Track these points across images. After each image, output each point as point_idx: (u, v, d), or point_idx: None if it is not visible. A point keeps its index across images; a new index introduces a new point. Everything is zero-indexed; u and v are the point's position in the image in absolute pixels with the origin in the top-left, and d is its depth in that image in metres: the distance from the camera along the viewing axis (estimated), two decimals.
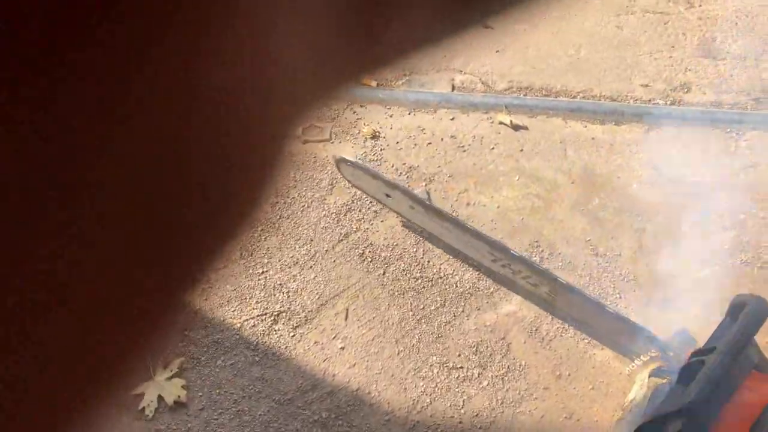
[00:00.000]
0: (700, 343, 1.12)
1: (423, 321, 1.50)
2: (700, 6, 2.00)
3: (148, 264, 0.14)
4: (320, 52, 0.15)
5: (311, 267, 1.59)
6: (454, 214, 1.66)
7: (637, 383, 1.26)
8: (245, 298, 1.54)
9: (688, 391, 0.85)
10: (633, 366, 1.28)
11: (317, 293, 1.55)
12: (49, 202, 0.12)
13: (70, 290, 0.13)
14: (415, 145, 1.78)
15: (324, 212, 1.66)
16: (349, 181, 1.62)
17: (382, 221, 1.64)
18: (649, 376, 1.21)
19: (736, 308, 0.97)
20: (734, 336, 0.90)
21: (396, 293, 1.54)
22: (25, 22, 0.10)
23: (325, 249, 1.61)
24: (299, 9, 0.14)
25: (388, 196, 1.54)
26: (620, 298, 1.52)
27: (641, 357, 1.26)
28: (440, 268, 1.57)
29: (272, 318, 1.51)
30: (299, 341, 1.48)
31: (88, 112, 0.11)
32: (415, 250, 1.60)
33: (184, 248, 0.15)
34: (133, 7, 0.11)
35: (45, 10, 0.10)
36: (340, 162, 1.57)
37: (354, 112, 1.85)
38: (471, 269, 1.56)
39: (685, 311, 1.48)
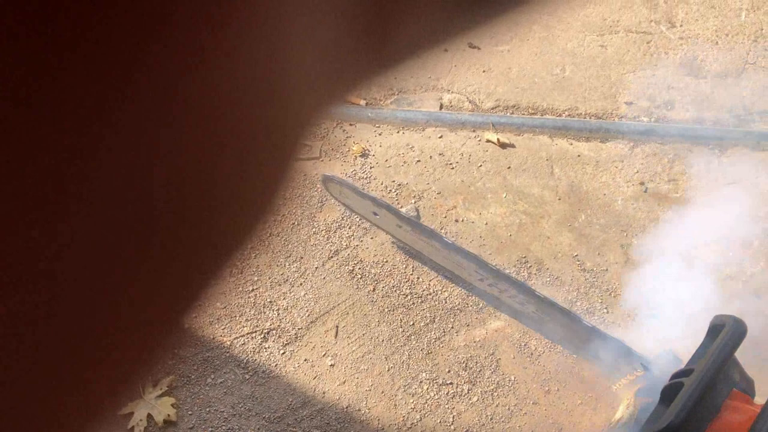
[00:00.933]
0: (685, 361, 1.13)
1: (413, 337, 1.51)
2: (681, 26, 2.05)
3: (138, 283, 0.14)
4: (309, 70, 0.15)
5: (301, 284, 1.59)
6: (442, 230, 1.67)
7: (624, 403, 1.27)
8: (235, 316, 1.54)
9: (668, 412, 0.86)
10: (618, 384, 1.29)
11: (307, 310, 1.55)
12: (35, 217, 0.12)
13: (58, 307, 0.13)
14: (404, 162, 1.80)
15: (314, 229, 1.67)
16: (336, 199, 1.63)
17: (371, 238, 1.65)
18: (635, 396, 1.22)
19: (715, 328, 0.98)
20: (712, 356, 0.91)
21: (386, 310, 1.55)
22: (25, 20, 0.10)
23: (315, 266, 1.62)
24: (285, 29, 0.14)
25: (375, 214, 1.55)
26: (607, 312, 1.54)
27: (627, 376, 1.27)
28: (429, 285, 1.58)
29: (262, 336, 1.52)
30: (289, 359, 1.49)
31: (77, 117, 0.11)
32: (404, 266, 1.61)
33: (175, 266, 0.15)
34: (124, 14, 0.11)
35: (43, 9, 0.10)
36: (326, 180, 1.58)
37: (343, 131, 1.87)
38: (460, 286, 1.57)
39: (670, 325, 1.50)
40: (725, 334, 0.93)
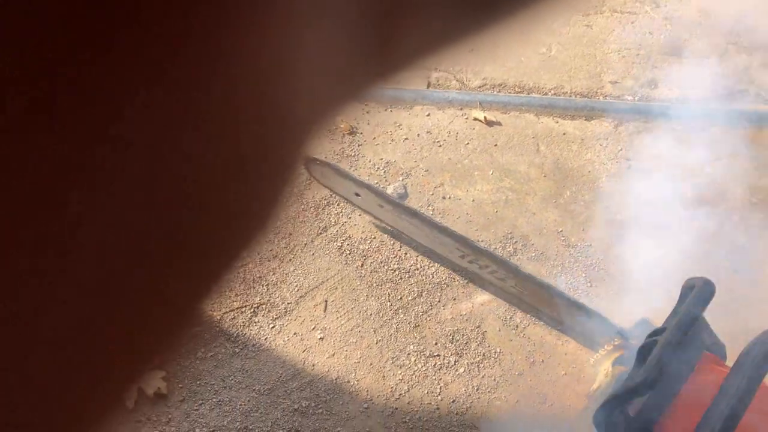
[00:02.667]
0: None
1: (400, 311, 1.53)
2: (666, 6, 2.07)
3: (136, 261, 0.14)
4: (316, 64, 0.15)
5: (290, 260, 1.61)
6: (429, 207, 1.69)
7: (601, 372, 1.29)
8: (224, 291, 1.55)
9: (645, 367, 0.89)
10: (597, 356, 1.31)
11: (296, 285, 1.57)
12: (40, 215, 0.12)
13: (60, 285, 0.13)
14: (392, 140, 1.81)
15: (302, 206, 1.69)
16: (318, 181, 1.63)
17: (360, 215, 1.67)
18: (612, 365, 1.24)
19: (686, 290, 1.01)
20: (683, 314, 0.94)
21: (374, 284, 1.57)
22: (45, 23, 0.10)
23: (304, 242, 1.63)
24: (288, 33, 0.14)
25: (357, 195, 1.56)
26: (591, 286, 1.57)
27: (605, 347, 1.30)
28: (417, 260, 1.60)
29: (252, 310, 1.53)
30: (279, 333, 1.51)
31: (87, 122, 0.11)
32: (392, 242, 1.63)
33: (179, 248, 0.15)
34: (145, 17, 0.11)
35: (64, 12, 0.10)
36: (309, 162, 1.57)
37: (333, 110, 1.87)
38: (445, 262, 1.59)
39: (651, 298, 1.54)
40: (695, 292, 0.96)
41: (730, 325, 1.17)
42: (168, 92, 0.12)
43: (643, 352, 0.93)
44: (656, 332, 0.94)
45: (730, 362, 1.02)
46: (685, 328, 0.89)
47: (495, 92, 1.90)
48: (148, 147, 0.13)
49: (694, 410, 0.84)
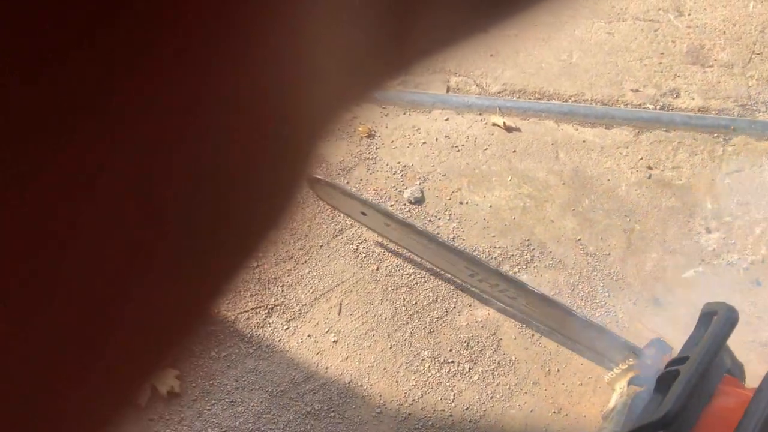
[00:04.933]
0: (676, 350, 1.14)
1: (415, 316, 1.52)
2: (689, 15, 2.05)
3: (149, 260, 0.14)
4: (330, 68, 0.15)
5: (306, 262, 1.60)
6: (446, 212, 1.68)
7: (617, 391, 1.27)
8: (239, 291, 1.55)
9: (666, 401, 0.87)
10: (612, 375, 1.29)
11: (311, 287, 1.57)
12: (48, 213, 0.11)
13: (67, 281, 0.13)
14: (410, 144, 1.81)
15: (318, 208, 1.68)
16: (323, 200, 1.60)
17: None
18: (628, 385, 1.23)
19: (705, 316, 0.99)
20: (706, 344, 0.92)
21: (389, 288, 1.56)
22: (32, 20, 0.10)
23: (320, 244, 1.63)
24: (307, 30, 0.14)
25: (363, 214, 1.53)
26: (609, 296, 1.55)
27: (619, 365, 1.28)
28: (432, 265, 1.59)
29: (266, 311, 1.53)
30: (293, 334, 1.50)
31: (85, 119, 0.11)
32: None
33: (193, 247, 0.15)
34: (136, 12, 0.11)
35: (51, 10, 0.10)
36: (312, 182, 1.52)
37: (349, 110, 1.87)
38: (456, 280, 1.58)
39: (670, 311, 1.51)
40: (719, 321, 0.94)
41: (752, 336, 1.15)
42: (178, 89, 0.12)
43: (663, 380, 0.91)
44: (676, 361, 0.92)
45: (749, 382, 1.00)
46: (709, 361, 0.87)
47: (515, 98, 1.89)
48: (160, 145, 0.12)
49: None
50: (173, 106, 0.12)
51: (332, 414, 1.39)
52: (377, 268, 1.59)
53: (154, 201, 0.13)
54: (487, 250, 1.62)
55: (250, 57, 0.13)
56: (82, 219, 0.12)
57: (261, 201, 0.16)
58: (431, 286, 1.56)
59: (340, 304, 1.54)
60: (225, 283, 0.17)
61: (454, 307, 1.53)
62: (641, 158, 1.77)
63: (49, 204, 0.11)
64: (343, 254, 1.61)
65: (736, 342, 1.09)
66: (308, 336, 1.50)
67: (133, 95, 0.11)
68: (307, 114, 0.15)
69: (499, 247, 1.62)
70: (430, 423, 1.39)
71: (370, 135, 1.82)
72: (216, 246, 0.15)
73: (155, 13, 0.11)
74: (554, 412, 1.41)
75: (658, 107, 1.85)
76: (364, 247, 1.62)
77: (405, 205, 1.69)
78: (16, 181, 0.11)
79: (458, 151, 1.79)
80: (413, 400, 1.41)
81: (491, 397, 1.42)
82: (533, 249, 1.62)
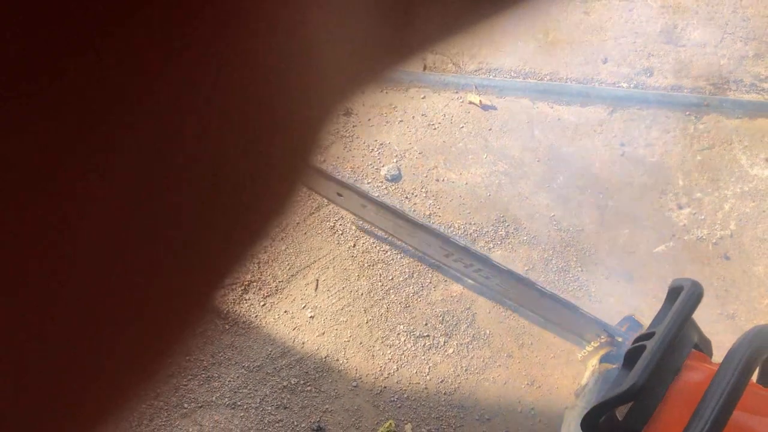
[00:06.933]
0: (646, 326, 1.17)
1: (391, 291, 1.53)
2: None
3: (124, 241, 0.14)
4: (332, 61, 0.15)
5: (282, 239, 1.61)
6: (423, 190, 1.69)
7: (588, 369, 1.30)
8: (215, 268, 1.55)
9: (632, 374, 0.88)
10: (584, 352, 1.32)
11: (288, 264, 1.57)
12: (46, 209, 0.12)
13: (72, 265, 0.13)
14: (387, 122, 1.81)
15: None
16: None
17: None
18: (599, 362, 1.25)
19: (673, 292, 1.01)
20: (672, 319, 0.94)
21: (365, 265, 1.57)
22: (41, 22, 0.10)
23: (297, 221, 1.63)
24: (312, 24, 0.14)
25: (339, 195, 1.54)
26: (582, 271, 1.57)
27: (591, 343, 1.30)
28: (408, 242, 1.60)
29: (243, 288, 1.53)
30: (269, 310, 1.51)
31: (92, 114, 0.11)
32: None
33: (170, 226, 0.15)
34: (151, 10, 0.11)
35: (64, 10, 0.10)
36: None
37: (342, 102, 1.87)
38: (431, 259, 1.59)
39: (642, 285, 1.54)
40: (684, 296, 0.96)
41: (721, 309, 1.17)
42: (174, 74, 0.12)
43: (631, 355, 0.93)
44: (643, 336, 0.94)
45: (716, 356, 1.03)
46: (674, 335, 0.89)
47: (491, 76, 1.89)
48: (146, 132, 0.13)
49: (683, 410, 0.84)
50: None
51: (308, 388, 1.40)
52: (354, 245, 1.60)
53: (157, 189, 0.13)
54: (462, 226, 1.63)
55: (253, 48, 0.13)
56: (91, 214, 0.12)
57: (238, 181, 0.16)
58: (407, 262, 1.57)
59: (317, 280, 1.55)
60: (203, 260, 0.17)
61: (430, 282, 1.54)
62: (615, 135, 1.79)
63: (63, 199, 0.12)
64: (320, 231, 1.62)
65: (704, 315, 1.12)
66: (285, 312, 1.50)
67: (142, 94, 0.12)
68: (300, 97, 0.16)
69: (474, 224, 1.63)
70: (405, 396, 1.40)
71: (347, 113, 1.81)
72: (192, 225, 0.16)
73: (155, 12, 0.11)
74: (527, 384, 1.43)
75: (632, 86, 1.88)
76: (341, 225, 1.63)
77: (382, 182, 1.70)
78: (30, 179, 0.11)
79: (435, 129, 1.80)
80: (389, 373, 1.43)
81: (466, 370, 1.44)
82: (508, 225, 1.63)
